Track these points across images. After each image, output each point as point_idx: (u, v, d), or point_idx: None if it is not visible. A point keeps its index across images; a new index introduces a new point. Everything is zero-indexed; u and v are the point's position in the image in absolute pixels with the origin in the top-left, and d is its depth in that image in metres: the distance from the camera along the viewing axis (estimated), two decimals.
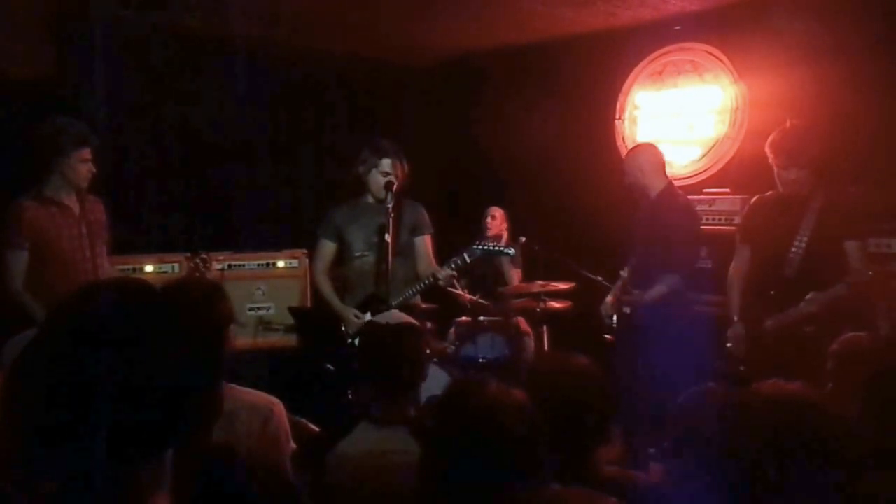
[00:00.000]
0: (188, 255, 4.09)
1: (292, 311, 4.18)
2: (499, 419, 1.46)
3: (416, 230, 3.77)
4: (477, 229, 5.25)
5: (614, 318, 3.91)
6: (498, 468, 1.43)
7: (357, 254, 3.74)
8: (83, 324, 0.97)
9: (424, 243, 3.79)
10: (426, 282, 3.63)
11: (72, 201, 3.48)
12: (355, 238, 3.74)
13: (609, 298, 3.97)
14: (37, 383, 0.95)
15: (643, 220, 3.85)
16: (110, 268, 3.70)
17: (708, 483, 1.48)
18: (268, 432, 2.18)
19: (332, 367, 3.61)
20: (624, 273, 4.02)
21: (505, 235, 5.25)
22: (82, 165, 3.43)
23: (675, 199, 3.82)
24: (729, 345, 3.39)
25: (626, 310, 3.87)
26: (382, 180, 3.61)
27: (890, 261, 3.54)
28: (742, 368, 3.27)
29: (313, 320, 4.08)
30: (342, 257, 3.82)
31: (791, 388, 1.52)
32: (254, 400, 2.23)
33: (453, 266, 3.59)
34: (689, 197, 4.43)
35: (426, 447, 1.56)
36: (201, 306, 2.13)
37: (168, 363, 0.97)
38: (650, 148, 3.98)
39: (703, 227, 4.15)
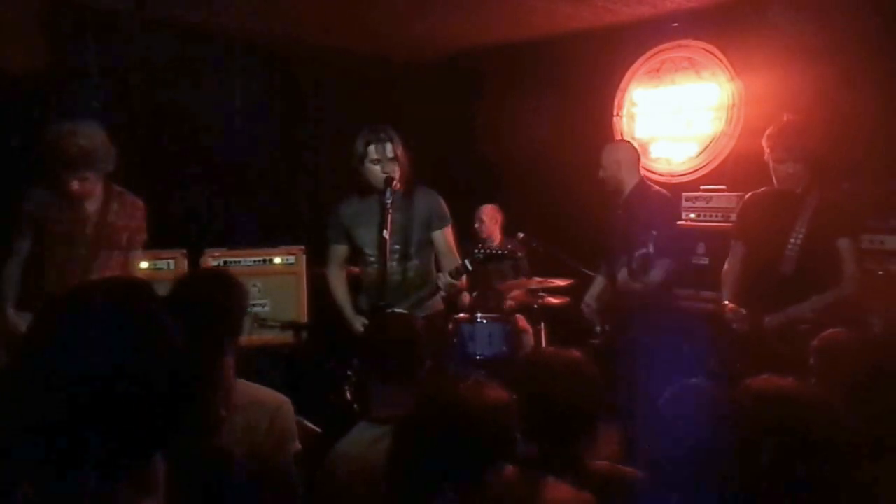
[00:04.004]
0: (183, 251, 4.08)
1: (292, 325, 4.16)
2: (467, 418, 1.45)
3: (431, 224, 3.38)
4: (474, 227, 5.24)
5: (597, 327, 4.01)
6: (463, 463, 1.43)
7: (371, 258, 3.37)
8: (72, 324, 0.96)
9: (443, 237, 3.40)
10: (430, 290, 3.32)
11: (91, 199, 3.21)
12: (365, 241, 3.39)
13: (590, 305, 4.06)
14: (24, 384, 0.94)
15: (622, 217, 3.87)
16: (133, 273, 3.45)
17: (698, 477, 1.48)
18: (273, 430, 2.17)
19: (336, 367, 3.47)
20: (600, 278, 4.12)
21: (498, 233, 5.23)
22: (75, 185, 3.12)
23: (650, 189, 3.92)
24: (734, 325, 3.36)
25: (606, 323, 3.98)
26: (379, 171, 3.25)
27: (884, 258, 3.55)
28: (738, 366, 3.27)
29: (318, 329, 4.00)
30: (357, 261, 3.51)
31: (783, 382, 1.52)
32: (262, 396, 2.22)
33: (453, 274, 3.25)
34: (686, 193, 4.46)
35: (395, 439, 1.56)
36: (215, 302, 2.14)
37: (157, 367, 0.96)
38: (628, 144, 4.18)
39: (699, 222, 4.29)
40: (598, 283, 4.14)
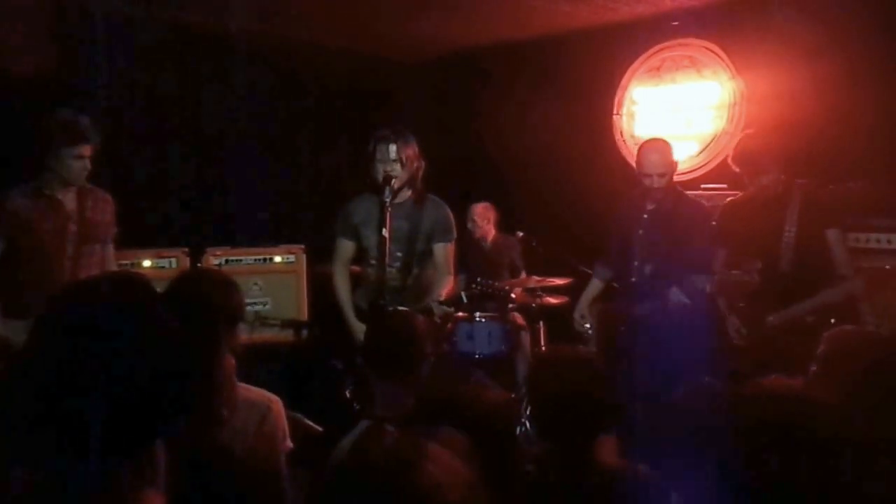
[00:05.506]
0: (185, 249, 4.08)
1: (292, 324, 4.14)
2: (468, 419, 1.43)
3: (434, 237, 3.33)
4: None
5: (589, 327, 3.76)
6: None
7: (373, 261, 3.31)
8: (76, 317, 0.97)
9: (443, 252, 3.34)
10: (423, 310, 3.14)
11: (67, 197, 3.32)
12: (371, 243, 3.32)
13: (583, 315, 3.79)
14: (29, 377, 0.94)
15: (646, 223, 3.50)
16: (111, 265, 3.52)
17: (707, 475, 1.48)
18: (264, 430, 2.16)
19: (339, 366, 3.45)
20: (595, 282, 3.87)
21: (492, 231, 5.22)
22: (76, 162, 3.24)
23: (687, 198, 3.62)
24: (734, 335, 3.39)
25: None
26: (381, 170, 3.20)
27: (889, 256, 3.56)
28: (745, 365, 3.29)
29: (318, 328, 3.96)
30: (361, 260, 3.45)
31: (791, 383, 1.53)
32: (251, 396, 2.21)
33: (447, 303, 3.17)
34: (687, 192, 4.46)
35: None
36: (209, 301, 2.14)
37: (157, 358, 0.97)
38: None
39: None
40: (594, 287, 3.89)
